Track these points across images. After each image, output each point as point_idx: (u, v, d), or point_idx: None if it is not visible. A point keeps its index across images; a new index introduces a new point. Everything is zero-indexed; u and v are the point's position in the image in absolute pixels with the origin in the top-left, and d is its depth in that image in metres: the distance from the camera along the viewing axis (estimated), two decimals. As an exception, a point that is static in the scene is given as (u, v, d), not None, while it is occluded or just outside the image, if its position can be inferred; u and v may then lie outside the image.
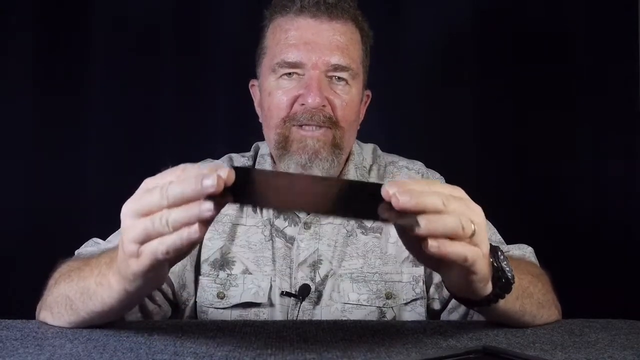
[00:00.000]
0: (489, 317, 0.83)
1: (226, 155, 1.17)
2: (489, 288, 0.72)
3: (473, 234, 0.63)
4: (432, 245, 0.61)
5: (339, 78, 1.04)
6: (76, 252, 1.02)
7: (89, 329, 0.77)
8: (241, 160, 1.15)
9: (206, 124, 1.57)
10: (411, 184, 0.62)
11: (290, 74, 1.04)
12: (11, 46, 1.52)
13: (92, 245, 1.02)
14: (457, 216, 0.62)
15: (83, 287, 0.75)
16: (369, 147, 1.19)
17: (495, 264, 0.71)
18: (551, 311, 0.88)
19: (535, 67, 1.56)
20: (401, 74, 1.57)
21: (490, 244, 0.72)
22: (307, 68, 1.02)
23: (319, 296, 1.04)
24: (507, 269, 0.72)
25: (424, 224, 0.60)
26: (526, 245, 1.06)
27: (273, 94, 1.05)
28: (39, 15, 1.53)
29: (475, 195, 1.11)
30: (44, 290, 0.86)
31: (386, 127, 1.51)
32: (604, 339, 0.78)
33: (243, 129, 1.42)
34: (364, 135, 1.19)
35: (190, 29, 1.57)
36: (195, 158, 1.16)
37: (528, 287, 0.82)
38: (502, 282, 0.72)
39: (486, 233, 0.67)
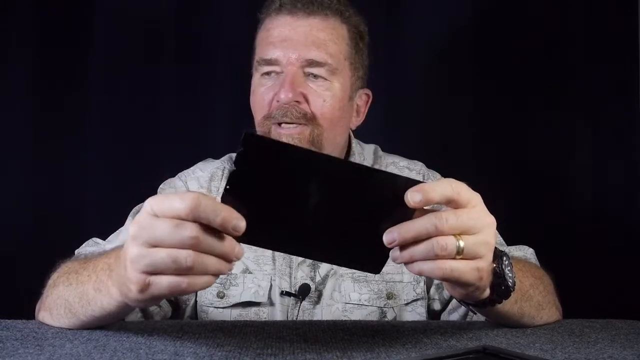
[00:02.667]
0: (486, 317, 0.83)
1: (226, 155, 1.16)
2: (486, 293, 0.72)
3: (460, 252, 0.63)
4: (408, 266, 0.64)
5: (315, 75, 1.03)
6: (76, 251, 1.02)
7: (89, 329, 0.77)
8: None
9: (206, 124, 1.57)
10: (433, 190, 0.61)
11: (269, 72, 1.04)
12: (12, 48, 1.52)
13: (92, 245, 1.02)
14: (431, 242, 0.62)
15: (82, 292, 0.74)
16: (370, 148, 1.18)
17: (497, 270, 0.71)
18: (551, 312, 0.88)
19: (535, 67, 1.56)
20: (401, 74, 1.57)
21: (497, 249, 0.72)
22: (284, 65, 1.02)
23: (319, 296, 1.04)
24: (510, 275, 0.72)
25: (400, 256, 0.63)
26: (527, 247, 1.06)
27: (255, 93, 1.06)
28: (40, 16, 1.53)
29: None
30: (43, 290, 0.85)
31: (386, 128, 1.51)
32: (604, 338, 0.78)
33: (243, 129, 1.42)
34: (363, 135, 1.19)
35: (190, 30, 1.57)
36: (195, 158, 1.16)
37: (528, 290, 0.82)
38: (501, 289, 0.72)
39: (488, 245, 0.66)
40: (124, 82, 1.55)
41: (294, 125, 1.01)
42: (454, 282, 0.66)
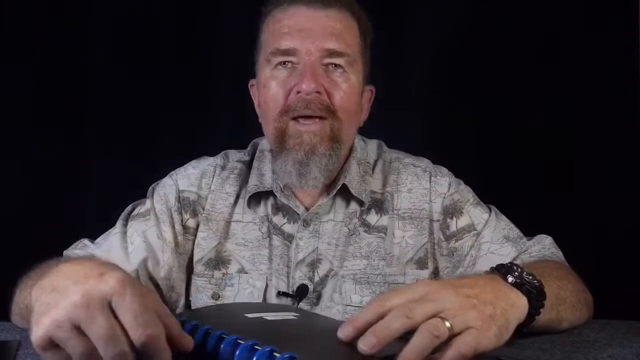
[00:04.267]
0: (528, 332, 0.75)
1: (222, 152, 1.15)
2: (523, 312, 0.68)
3: (452, 329, 0.58)
4: None
5: (335, 65, 1.00)
6: (64, 252, 1.02)
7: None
8: (238, 156, 1.12)
9: (206, 124, 1.57)
10: (366, 318, 0.59)
11: (284, 62, 1.00)
12: (12, 47, 1.52)
13: (80, 248, 1.02)
14: (421, 331, 0.57)
15: (24, 297, 0.74)
16: (373, 143, 1.15)
17: (517, 280, 0.68)
18: (582, 313, 0.87)
19: (536, 66, 1.56)
20: (404, 73, 1.57)
21: (497, 267, 0.70)
22: (302, 55, 0.98)
23: (318, 297, 1.02)
24: (529, 278, 0.69)
25: None
26: (545, 236, 1.04)
27: (268, 86, 1.01)
28: (40, 15, 1.53)
29: (479, 193, 1.11)
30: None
31: (390, 126, 1.50)
32: (603, 338, 0.78)
33: (243, 129, 1.42)
34: (366, 135, 1.18)
35: (190, 30, 1.56)
36: (194, 158, 1.16)
37: (559, 292, 0.80)
38: (534, 294, 0.69)
39: (466, 309, 0.61)
40: (123, 82, 1.55)
41: (313, 120, 0.98)
42: (483, 352, 0.61)
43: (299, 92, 0.98)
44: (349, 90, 1.01)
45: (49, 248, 0.92)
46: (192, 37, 1.57)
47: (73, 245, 1.03)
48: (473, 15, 1.58)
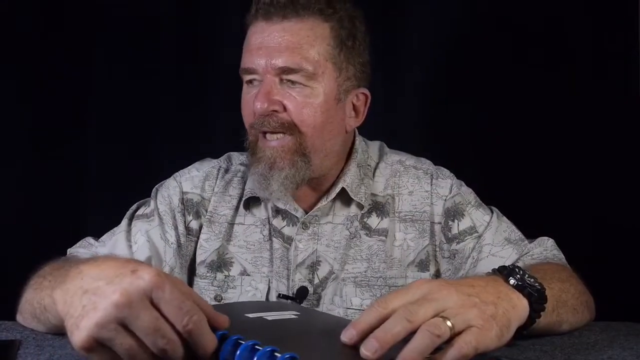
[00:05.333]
0: (528, 334, 0.74)
1: (225, 155, 1.15)
2: (522, 319, 0.68)
3: (453, 328, 0.58)
4: None
5: (292, 81, 0.97)
6: (68, 250, 1.02)
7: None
8: (240, 158, 1.13)
9: (206, 124, 1.57)
10: (358, 321, 0.59)
11: (251, 81, 1.00)
12: (11, 48, 1.52)
13: (85, 246, 1.02)
14: (422, 333, 0.57)
15: (40, 297, 0.74)
16: (375, 145, 1.14)
17: (519, 283, 0.68)
18: (584, 315, 0.87)
19: (536, 66, 1.56)
20: (403, 73, 1.57)
21: (502, 270, 0.69)
22: (260, 73, 0.98)
23: (318, 299, 1.03)
24: (530, 281, 0.69)
25: None
26: (547, 238, 1.04)
27: (242, 102, 1.03)
28: (40, 15, 1.53)
29: (479, 194, 1.11)
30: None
31: (389, 126, 1.51)
32: (604, 340, 0.78)
33: (243, 129, 1.42)
34: (365, 135, 1.18)
35: (191, 29, 1.57)
36: (195, 158, 1.16)
37: (560, 295, 0.80)
38: (535, 297, 0.68)
39: (466, 307, 0.61)
40: (123, 81, 1.55)
41: (276, 136, 0.98)
42: (484, 352, 0.61)
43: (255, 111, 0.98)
44: (311, 104, 0.98)
45: (49, 248, 0.92)
46: (192, 37, 1.57)
47: (78, 244, 1.03)
48: (472, 15, 1.58)
